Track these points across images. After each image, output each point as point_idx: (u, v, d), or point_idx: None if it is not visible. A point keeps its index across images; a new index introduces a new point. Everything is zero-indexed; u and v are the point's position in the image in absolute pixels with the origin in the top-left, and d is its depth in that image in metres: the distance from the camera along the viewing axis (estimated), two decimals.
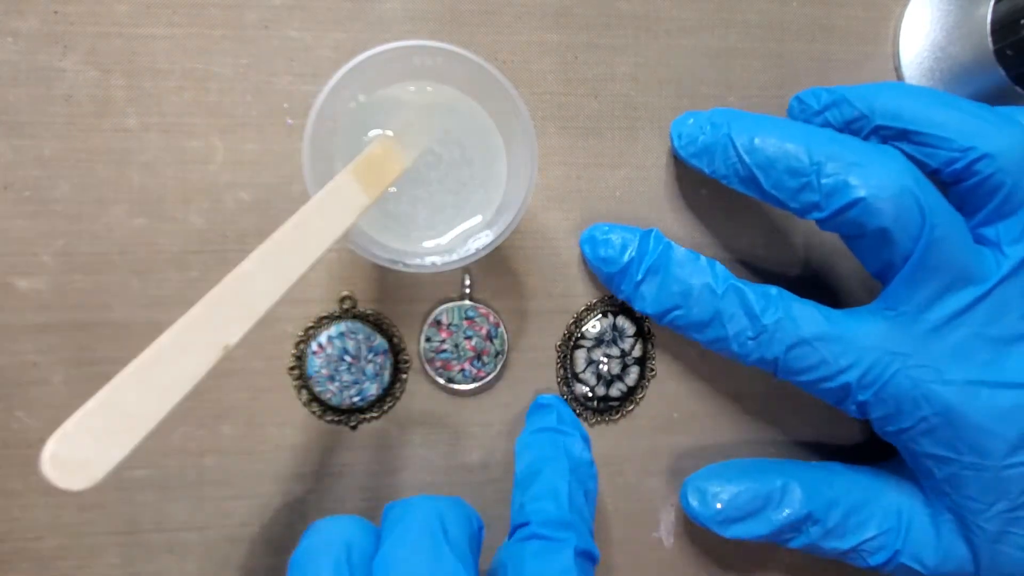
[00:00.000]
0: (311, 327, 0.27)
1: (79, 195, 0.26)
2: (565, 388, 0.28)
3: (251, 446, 0.27)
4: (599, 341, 0.28)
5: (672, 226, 0.29)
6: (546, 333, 0.28)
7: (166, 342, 0.17)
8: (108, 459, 0.16)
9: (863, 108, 0.25)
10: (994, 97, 0.29)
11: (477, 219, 0.24)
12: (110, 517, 0.26)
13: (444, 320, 0.27)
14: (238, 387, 0.27)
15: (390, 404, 0.28)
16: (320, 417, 0.27)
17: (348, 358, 0.27)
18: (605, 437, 0.29)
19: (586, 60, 0.29)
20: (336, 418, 0.27)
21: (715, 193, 0.29)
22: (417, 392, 0.28)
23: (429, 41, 0.22)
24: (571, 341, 0.28)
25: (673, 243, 0.27)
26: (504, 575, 0.21)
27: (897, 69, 0.31)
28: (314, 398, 0.27)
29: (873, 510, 0.26)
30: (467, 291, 0.27)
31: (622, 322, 0.28)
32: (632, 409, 0.29)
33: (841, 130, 0.25)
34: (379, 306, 0.27)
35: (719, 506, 0.26)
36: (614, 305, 0.29)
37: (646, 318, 0.29)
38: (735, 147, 0.25)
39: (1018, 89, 0.28)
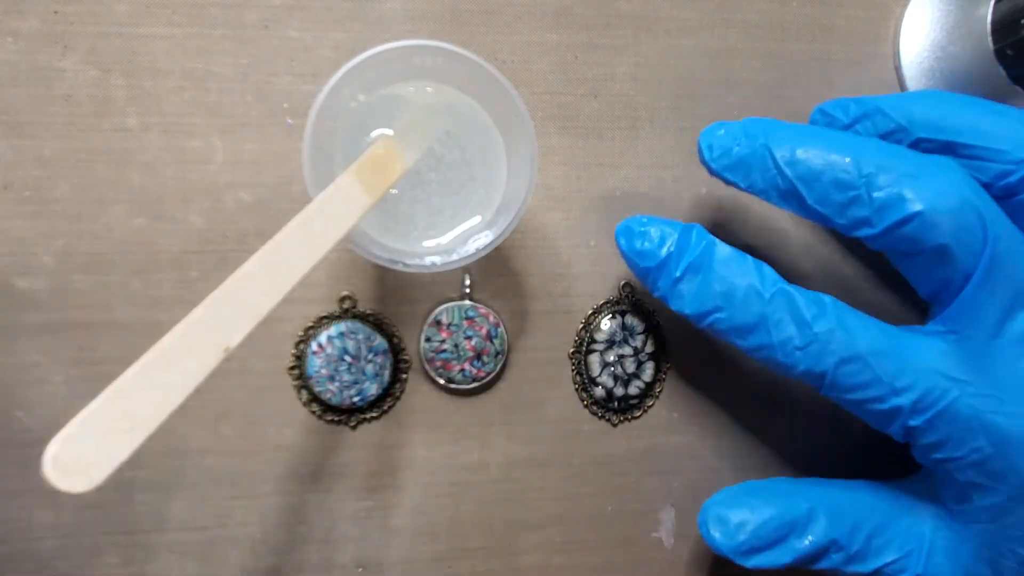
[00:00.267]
0: (311, 327, 0.27)
1: (79, 195, 0.26)
2: (584, 394, 0.28)
3: (251, 446, 0.27)
4: (611, 343, 0.28)
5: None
6: (546, 333, 0.28)
7: (168, 344, 0.17)
8: (110, 461, 0.16)
9: (900, 120, 0.23)
10: (994, 97, 0.29)
11: (477, 219, 0.24)
12: (110, 517, 0.26)
13: (444, 320, 0.27)
14: (238, 387, 0.27)
15: (390, 404, 0.28)
16: (320, 417, 0.27)
17: (348, 358, 0.27)
18: (605, 437, 0.29)
19: (586, 60, 0.29)
20: (336, 418, 0.27)
21: (716, 193, 0.29)
22: (417, 392, 0.28)
23: (429, 41, 0.22)
24: (583, 347, 0.28)
25: (717, 240, 0.24)
26: None
27: (897, 69, 0.31)
28: (314, 398, 0.27)
29: (895, 531, 0.24)
30: (467, 291, 0.27)
31: (631, 320, 0.28)
32: (652, 404, 0.29)
33: None
34: (379, 306, 0.27)
35: (742, 538, 0.24)
36: (620, 305, 0.29)
37: (654, 312, 0.29)
38: (774, 159, 0.23)
39: (1018, 89, 0.28)
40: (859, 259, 0.30)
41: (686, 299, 0.24)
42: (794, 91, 0.30)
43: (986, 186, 0.23)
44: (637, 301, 0.29)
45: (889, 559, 0.24)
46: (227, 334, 0.18)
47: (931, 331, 0.23)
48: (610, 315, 0.28)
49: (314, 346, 0.27)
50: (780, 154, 0.23)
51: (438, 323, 0.27)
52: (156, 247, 0.26)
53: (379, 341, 0.27)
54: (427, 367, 0.27)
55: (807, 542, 0.24)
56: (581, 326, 0.29)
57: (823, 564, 0.24)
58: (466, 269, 0.28)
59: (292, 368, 0.27)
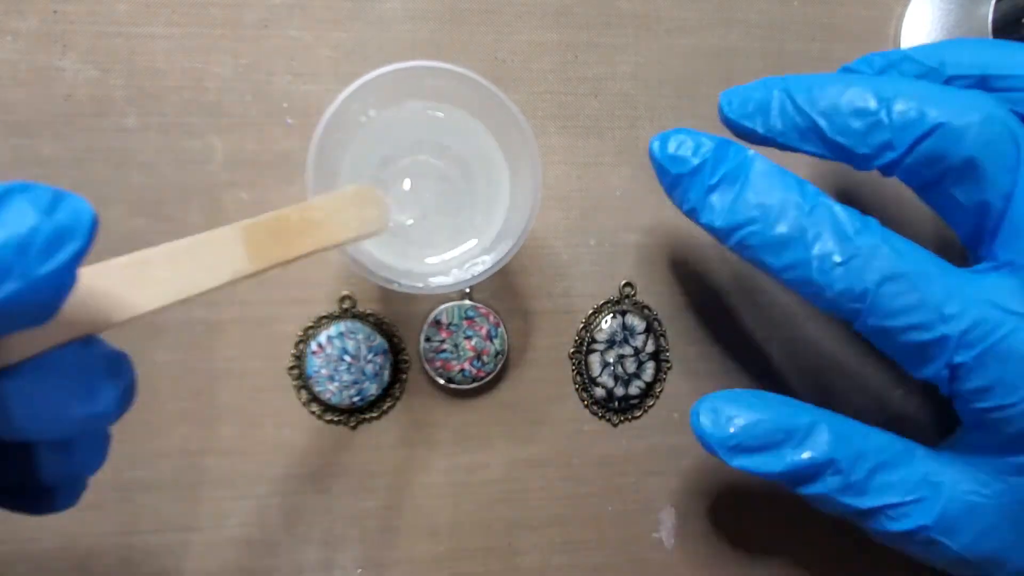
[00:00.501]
0: (310, 327, 0.27)
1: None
2: (584, 394, 0.28)
3: (250, 446, 0.27)
4: (611, 343, 0.28)
5: (673, 225, 0.29)
6: (546, 333, 0.28)
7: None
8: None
9: (930, 63, 0.22)
10: None
11: (475, 242, 0.24)
12: (110, 518, 0.26)
13: (444, 320, 0.27)
14: (237, 387, 0.27)
15: (390, 404, 0.27)
16: (320, 417, 0.27)
17: (348, 358, 0.27)
18: (605, 437, 0.29)
19: (586, 59, 0.29)
20: (336, 418, 0.27)
21: None
22: (417, 392, 0.28)
23: (444, 64, 0.22)
24: (583, 347, 0.28)
25: (758, 154, 0.22)
26: None
27: None
28: (314, 398, 0.27)
29: (905, 475, 0.22)
30: (467, 291, 0.27)
31: (631, 320, 0.28)
32: (653, 404, 0.29)
33: None
34: (379, 306, 0.27)
35: (732, 430, 0.22)
36: (620, 305, 0.29)
37: (654, 314, 0.29)
38: (793, 100, 0.22)
39: None
40: None
41: (716, 211, 0.22)
42: None
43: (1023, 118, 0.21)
44: (637, 301, 0.29)
45: (892, 500, 0.22)
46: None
47: (981, 269, 0.22)
48: (610, 315, 0.28)
49: (314, 346, 0.27)
50: (799, 95, 0.22)
51: (438, 323, 0.27)
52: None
53: (379, 341, 0.27)
54: (427, 367, 0.27)
55: (804, 456, 0.22)
56: (581, 326, 0.28)
57: (817, 487, 0.22)
58: None
59: (292, 368, 0.27)
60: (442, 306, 0.27)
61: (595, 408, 0.29)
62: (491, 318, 0.27)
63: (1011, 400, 0.20)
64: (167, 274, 0.16)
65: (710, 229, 0.23)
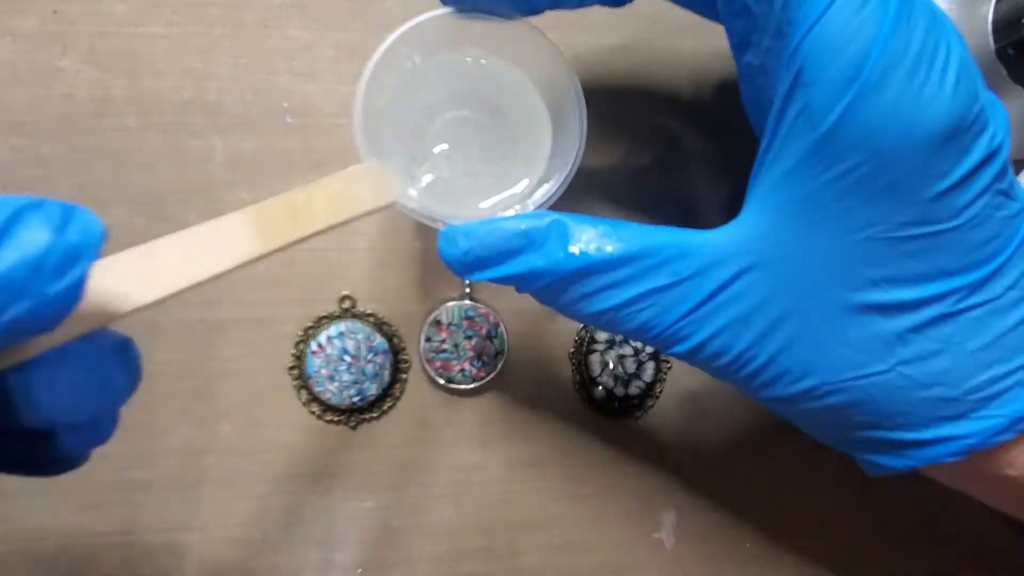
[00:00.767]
0: (310, 327, 0.27)
1: (79, 195, 0.26)
2: (584, 394, 0.28)
3: (251, 446, 0.27)
4: (611, 343, 0.28)
5: (672, 225, 0.29)
6: (546, 333, 0.28)
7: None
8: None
9: None
10: None
11: (515, 190, 0.24)
12: (110, 517, 0.26)
13: (444, 320, 0.27)
14: (237, 387, 0.27)
15: (390, 404, 0.27)
16: (320, 417, 0.27)
17: (348, 358, 0.27)
18: (605, 437, 0.29)
19: (586, 60, 0.29)
20: (336, 418, 0.27)
21: (716, 192, 0.29)
22: (417, 392, 0.28)
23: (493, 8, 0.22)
24: (583, 347, 0.28)
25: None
26: None
27: None
28: (314, 398, 0.27)
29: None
30: (467, 291, 0.27)
31: None
32: (653, 404, 0.29)
33: None
34: (379, 306, 0.27)
35: (467, 245, 0.20)
36: None
37: None
38: None
39: (1019, 88, 0.28)
40: None
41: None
42: None
43: None
44: None
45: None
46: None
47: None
48: None
49: (314, 346, 0.27)
50: None
51: (438, 323, 0.27)
52: None
53: (379, 341, 0.27)
54: (427, 367, 0.27)
55: (560, 253, 0.19)
56: (581, 326, 0.28)
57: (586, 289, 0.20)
58: None
59: (292, 368, 0.27)
60: (442, 306, 0.27)
61: (595, 408, 0.29)
62: (491, 318, 0.27)
63: None
64: (177, 261, 0.16)
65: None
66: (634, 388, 0.28)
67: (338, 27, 0.27)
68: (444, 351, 0.27)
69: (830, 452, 0.30)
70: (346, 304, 0.27)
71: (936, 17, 0.18)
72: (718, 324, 0.20)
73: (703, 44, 0.29)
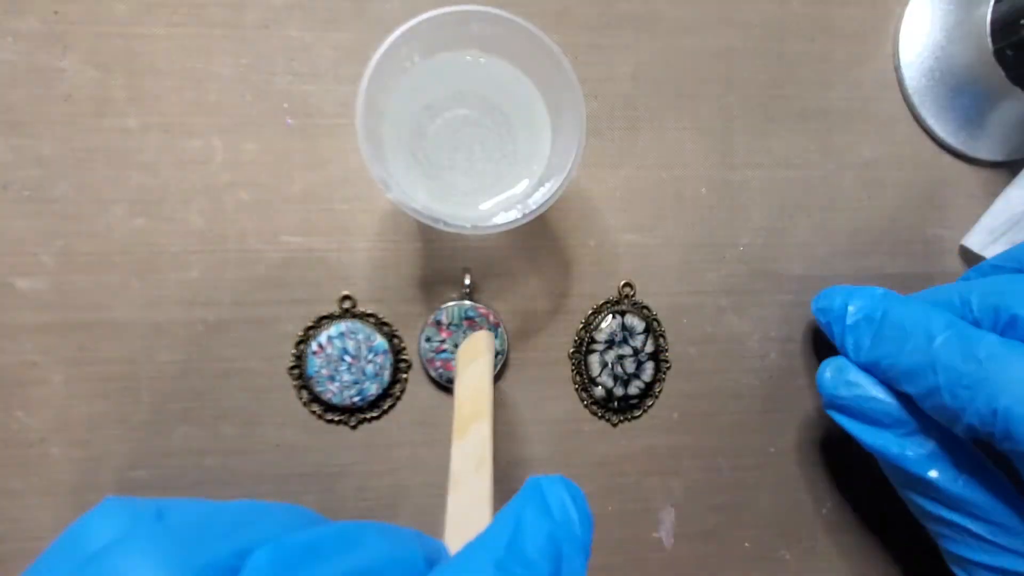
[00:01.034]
0: (311, 327, 0.27)
1: (79, 195, 0.26)
2: (583, 393, 0.28)
3: (251, 446, 0.27)
4: (611, 343, 0.28)
5: (672, 226, 0.29)
6: (546, 333, 0.28)
7: None
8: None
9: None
10: (993, 97, 0.29)
11: (516, 189, 0.24)
12: None
13: (444, 320, 0.27)
14: (238, 387, 0.27)
15: (390, 404, 0.28)
16: (320, 417, 0.27)
17: (348, 358, 0.27)
18: (605, 437, 0.29)
19: (586, 60, 0.29)
20: (336, 418, 0.27)
21: (715, 192, 0.29)
22: (417, 392, 0.28)
23: (491, 8, 0.22)
24: (583, 347, 0.28)
25: (891, 293, 0.25)
26: None
27: (897, 69, 0.31)
28: (314, 398, 0.27)
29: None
30: (467, 291, 0.27)
31: (631, 320, 0.28)
32: (652, 404, 0.29)
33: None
34: (379, 306, 0.27)
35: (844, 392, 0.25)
36: (620, 305, 0.29)
37: (653, 314, 0.29)
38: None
39: (1017, 89, 0.28)
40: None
41: (858, 349, 0.25)
42: (794, 91, 0.30)
43: None
44: (636, 301, 0.29)
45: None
46: None
47: None
48: (610, 315, 0.28)
49: (314, 346, 0.27)
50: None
51: (438, 323, 0.27)
52: (156, 247, 0.26)
53: (379, 341, 0.27)
54: (427, 367, 0.27)
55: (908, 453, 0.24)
56: (581, 326, 0.29)
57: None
58: (466, 268, 0.28)
59: (292, 368, 0.27)
60: (442, 306, 0.27)
61: (595, 408, 0.29)
62: (491, 318, 0.27)
63: None
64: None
65: (858, 364, 0.25)
66: (634, 388, 0.29)
67: (338, 27, 0.27)
68: (444, 351, 0.27)
69: (829, 453, 0.31)
70: (346, 304, 0.27)
71: None
72: None
73: (703, 44, 0.30)
